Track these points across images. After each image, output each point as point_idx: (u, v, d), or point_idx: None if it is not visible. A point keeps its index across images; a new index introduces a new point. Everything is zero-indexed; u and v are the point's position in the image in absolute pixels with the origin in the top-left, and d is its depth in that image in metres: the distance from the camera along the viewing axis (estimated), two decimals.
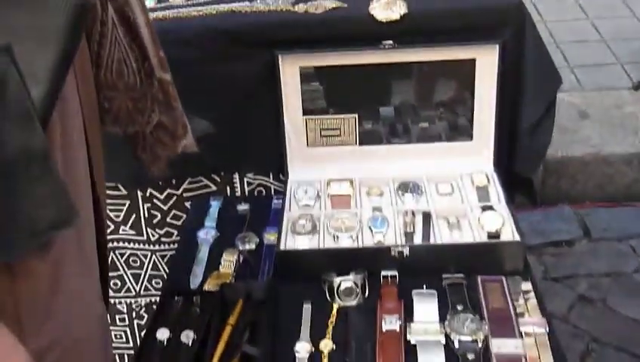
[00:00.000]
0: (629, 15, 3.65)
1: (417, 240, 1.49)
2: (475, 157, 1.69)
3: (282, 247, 1.47)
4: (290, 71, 1.61)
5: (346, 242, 1.49)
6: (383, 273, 1.43)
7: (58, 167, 0.83)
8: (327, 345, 1.30)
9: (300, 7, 1.61)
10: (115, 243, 1.82)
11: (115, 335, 1.95)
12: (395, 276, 1.43)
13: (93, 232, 1.01)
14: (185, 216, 1.78)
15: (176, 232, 1.81)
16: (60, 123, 0.87)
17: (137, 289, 1.89)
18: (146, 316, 1.92)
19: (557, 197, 2.85)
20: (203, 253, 1.58)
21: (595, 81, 3.17)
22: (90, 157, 1.00)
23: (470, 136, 1.70)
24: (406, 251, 1.43)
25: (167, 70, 1.14)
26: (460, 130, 1.72)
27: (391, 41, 1.57)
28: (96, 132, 1.04)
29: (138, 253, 1.85)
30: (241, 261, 1.54)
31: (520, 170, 1.71)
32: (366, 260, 1.44)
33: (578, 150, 2.84)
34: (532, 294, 1.38)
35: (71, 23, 0.78)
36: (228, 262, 1.52)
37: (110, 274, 1.85)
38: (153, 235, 1.82)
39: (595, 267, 2.57)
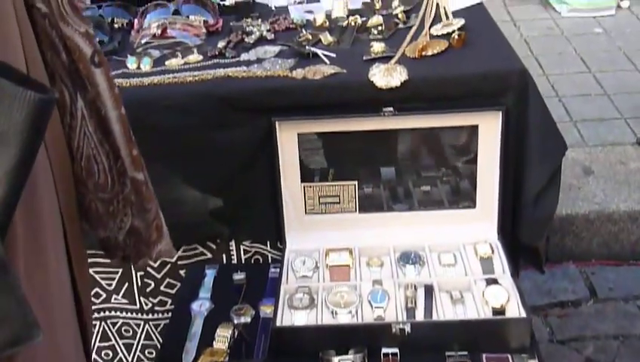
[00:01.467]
0: (632, 69, 3.62)
1: (419, 315, 1.43)
2: (478, 225, 1.64)
3: (278, 324, 1.41)
4: (287, 137, 1.57)
5: (344, 318, 1.43)
6: (384, 350, 1.38)
7: (20, 275, 0.76)
8: None
9: (298, 73, 1.57)
10: (107, 313, 1.76)
11: None
12: (397, 354, 1.37)
13: (73, 333, 0.95)
14: (179, 284, 1.72)
15: (170, 301, 1.75)
16: (26, 225, 0.80)
17: (130, 359, 1.82)
18: None
19: (562, 255, 2.79)
20: (197, 327, 1.52)
21: (599, 136, 3.12)
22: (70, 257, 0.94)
23: (473, 203, 1.66)
24: (407, 328, 1.37)
25: (142, 169, 1.05)
26: (463, 194, 1.68)
27: (391, 108, 1.53)
28: (77, 233, 0.99)
29: (131, 322, 1.78)
30: (235, 335, 1.48)
31: (525, 238, 1.65)
32: (366, 337, 1.39)
33: (583, 207, 2.78)
34: None
35: (32, 122, 0.70)
36: (222, 338, 1.46)
37: (101, 344, 1.79)
38: (146, 304, 1.76)
39: (602, 329, 2.49)
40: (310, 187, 1.64)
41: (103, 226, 1.04)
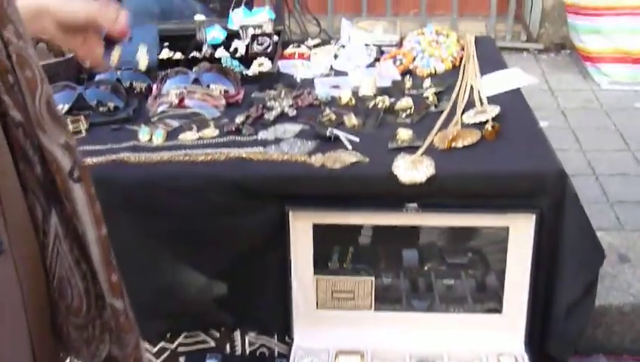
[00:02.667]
0: None
1: None
2: (503, 334, 1.50)
3: None
4: (301, 227, 1.46)
5: None
6: None
7: None
8: None
9: (317, 160, 1.47)
10: None
11: None
12: None
13: None
14: None
15: None
16: None
17: None
18: None
19: (592, 347, 2.62)
20: None
21: (638, 220, 2.96)
22: None
23: (500, 307, 1.52)
24: None
25: (121, 296, 0.92)
26: (490, 293, 1.55)
27: (415, 205, 1.41)
28: (49, 355, 0.88)
29: None
30: None
31: (553, 352, 1.51)
32: None
33: (617, 298, 2.61)
34: None
35: None
36: None
37: None
38: None
39: None
40: (323, 280, 1.52)
41: (76, 352, 0.93)
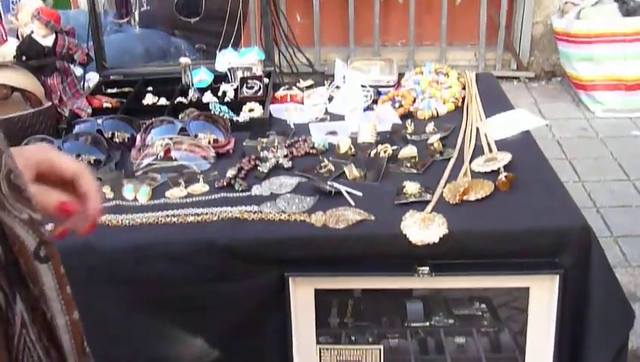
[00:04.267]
0: None
1: None
2: None
3: None
4: (302, 294, 1.33)
5: None
6: None
7: None
8: None
9: (318, 219, 1.34)
10: None
11: None
12: None
13: None
14: None
15: None
16: None
17: None
18: None
19: None
20: None
21: None
22: None
23: None
24: None
25: None
26: (505, 353, 1.42)
27: (427, 268, 1.29)
28: None
29: None
30: None
31: None
32: None
33: (630, 341, 2.49)
34: None
35: None
36: None
37: None
38: None
39: None
40: (327, 350, 1.39)
41: None
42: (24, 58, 1.83)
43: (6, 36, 1.86)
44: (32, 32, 1.83)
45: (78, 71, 1.97)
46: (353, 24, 4.55)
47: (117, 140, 1.73)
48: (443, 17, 4.48)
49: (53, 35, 1.82)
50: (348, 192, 1.42)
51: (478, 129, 1.68)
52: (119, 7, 2.25)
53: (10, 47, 1.86)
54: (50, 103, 1.79)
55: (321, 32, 4.58)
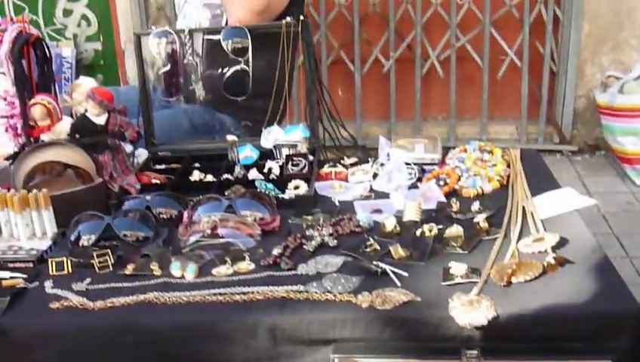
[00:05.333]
0: None
1: None
2: None
3: None
4: None
5: None
6: None
7: None
8: None
9: (364, 299, 1.34)
10: None
11: None
12: None
13: None
14: None
15: None
16: None
17: None
18: None
19: None
20: None
21: None
22: None
23: None
24: None
25: None
26: None
27: (475, 352, 1.27)
28: None
29: None
30: None
31: None
32: None
33: None
34: None
35: None
36: None
37: None
38: None
39: None
40: None
41: None
42: (77, 136, 1.88)
43: (61, 115, 1.92)
44: (86, 110, 1.89)
45: (127, 148, 2.02)
46: (395, 98, 4.60)
47: (164, 217, 1.76)
48: (484, 91, 4.51)
49: (106, 114, 1.88)
50: (394, 272, 1.42)
51: (524, 208, 1.67)
52: (168, 85, 2.31)
53: (65, 125, 1.91)
54: (101, 180, 1.84)
55: (363, 106, 4.64)
